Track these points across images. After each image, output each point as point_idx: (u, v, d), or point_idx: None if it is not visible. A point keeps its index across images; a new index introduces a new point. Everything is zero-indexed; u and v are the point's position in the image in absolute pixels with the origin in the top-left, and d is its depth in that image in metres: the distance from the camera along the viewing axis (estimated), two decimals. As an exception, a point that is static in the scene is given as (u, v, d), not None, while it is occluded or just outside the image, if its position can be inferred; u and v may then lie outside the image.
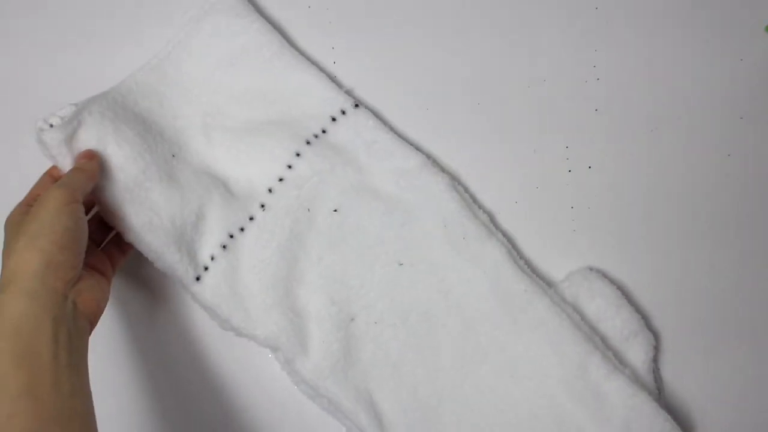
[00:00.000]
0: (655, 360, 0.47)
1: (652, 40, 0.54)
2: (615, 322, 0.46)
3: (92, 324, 0.42)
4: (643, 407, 0.43)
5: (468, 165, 0.52)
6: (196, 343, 0.50)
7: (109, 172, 0.45)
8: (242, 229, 0.48)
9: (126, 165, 0.45)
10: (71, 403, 0.37)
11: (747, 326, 0.49)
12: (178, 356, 0.50)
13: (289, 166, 0.49)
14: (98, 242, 0.48)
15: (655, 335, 0.48)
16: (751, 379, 0.48)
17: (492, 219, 0.50)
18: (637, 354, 0.46)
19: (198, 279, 0.46)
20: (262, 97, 0.51)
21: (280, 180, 0.49)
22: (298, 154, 0.49)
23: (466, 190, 0.51)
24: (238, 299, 0.46)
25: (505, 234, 0.50)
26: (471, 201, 0.50)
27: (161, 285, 0.50)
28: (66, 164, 0.45)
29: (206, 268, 0.47)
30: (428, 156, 0.50)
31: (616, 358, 0.45)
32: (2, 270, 0.39)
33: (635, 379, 0.45)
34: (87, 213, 0.46)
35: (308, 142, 0.49)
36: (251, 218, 0.48)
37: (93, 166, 0.45)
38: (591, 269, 0.48)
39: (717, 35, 0.54)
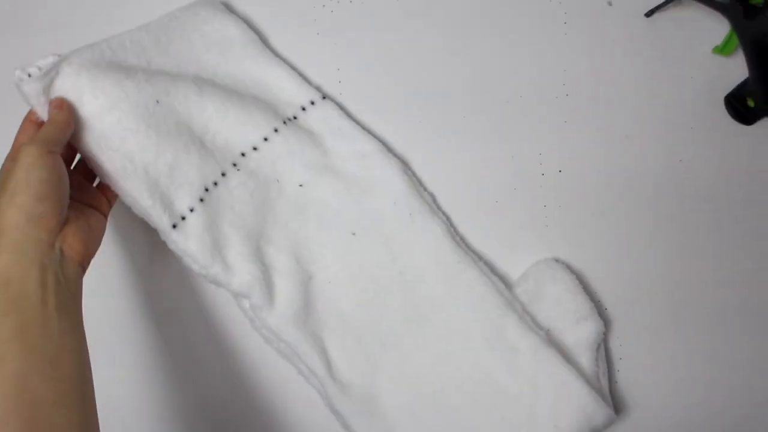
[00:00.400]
0: (604, 343, 0.49)
1: (613, 62, 0.56)
2: (570, 306, 0.48)
3: (83, 265, 0.41)
4: (550, 360, 0.46)
5: (455, 168, 0.54)
6: (195, 285, 0.52)
7: (84, 121, 0.44)
8: (216, 184, 0.48)
9: (101, 114, 0.45)
10: (61, 344, 0.37)
11: (690, 317, 0.51)
12: (178, 299, 0.52)
13: (266, 139, 0.51)
14: (91, 180, 0.47)
15: (607, 322, 0.50)
16: (688, 360, 0.50)
17: (434, 200, 0.53)
18: (588, 336, 0.48)
19: (175, 227, 0.46)
20: (244, 83, 0.53)
21: (255, 149, 0.50)
22: (276, 130, 0.51)
23: (414, 175, 0.53)
24: (217, 249, 0.47)
25: (449, 216, 0.52)
26: (418, 184, 0.52)
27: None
28: (45, 113, 0.44)
29: (183, 218, 0.47)
30: (384, 142, 0.53)
31: (533, 322, 0.48)
32: None
33: (546, 339, 0.47)
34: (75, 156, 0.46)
35: (285, 122, 0.51)
36: (223, 174, 0.49)
37: (65, 116, 0.43)
38: (556, 260, 0.50)
39: (670, 56, 0.56)
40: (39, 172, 0.39)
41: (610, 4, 0.57)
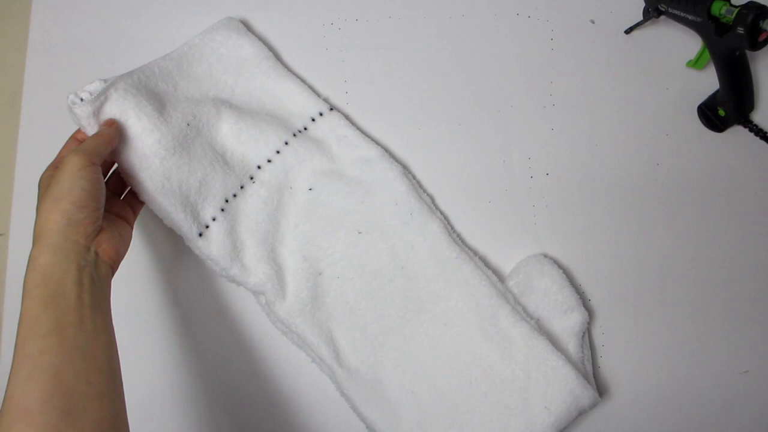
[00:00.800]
0: (588, 331, 0.51)
1: (596, 74, 0.58)
2: (558, 297, 0.50)
3: (113, 269, 0.43)
4: (540, 347, 0.48)
5: (452, 171, 0.56)
6: (214, 285, 0.54)
7: (129, 142, 0.47)
8: (235, 195, 0.51)
9: (144, 135, 0.47)
10: (94, 339, 0.38)
11: (667, 308, 0.53)
12: (198, 298, 0.54)
13: (278, 152, 0.53)
14: (119, 193, 0.50)
15: (591, 313, 0.52)
16: (665, 347, 0.52)
17: (433, 200, 0.55)
18: (573, 325, 0.50)
19: (201, 235, 0.49)
20: (259, 98, 0.55)
21: (269, 161, 0.53)
22: (286, 143, 0.53)
23: (414, 177, 0.55)
24: (236, 253, 0.50)
25: (447, 215, 0.54)
26: (418, 185, 0.54)
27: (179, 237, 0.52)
28: (93, 133, 0.46)
29: (207, 227, 0.50)
30: (386, 149, 0.55)
31: (525, 312, 0.50)
32: (34, 227, 0.41)
33: (537, 327, 0.49)
34: (108, 171, 0.48)
35: (294, 135, 0.54)
36: (242, 187, 0.52)
37: (111, 132, 0.45)
38: (545, 255, 0.53)
39: (648, 69, 0.58)
40: (81, 181, 0.41)
41: (592, 22, 0.60)
